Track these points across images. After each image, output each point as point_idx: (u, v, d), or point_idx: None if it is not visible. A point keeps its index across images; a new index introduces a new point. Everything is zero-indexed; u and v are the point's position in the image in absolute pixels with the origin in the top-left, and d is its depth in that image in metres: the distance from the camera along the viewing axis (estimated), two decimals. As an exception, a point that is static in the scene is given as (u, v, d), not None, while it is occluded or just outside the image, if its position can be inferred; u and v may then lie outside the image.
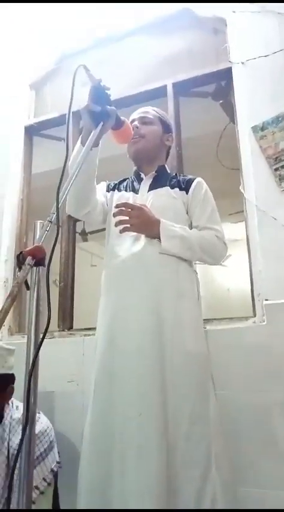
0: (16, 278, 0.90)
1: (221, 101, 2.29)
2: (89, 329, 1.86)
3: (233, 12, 1.94)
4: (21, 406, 1.47)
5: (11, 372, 1.44)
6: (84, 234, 4.42)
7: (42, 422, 1.42)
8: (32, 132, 2.45)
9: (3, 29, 2.44)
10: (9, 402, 1.45)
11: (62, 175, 1.02)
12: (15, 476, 0.89)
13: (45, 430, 1.40)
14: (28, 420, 0.88)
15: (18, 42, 2.46)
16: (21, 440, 0.87)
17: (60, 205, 0.99)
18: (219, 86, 2.22)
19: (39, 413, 1.46)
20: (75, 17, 2.33)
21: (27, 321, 0.97)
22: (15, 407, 1.46)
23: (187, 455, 1.21)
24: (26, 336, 0.94)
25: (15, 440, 1.35)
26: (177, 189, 1.51)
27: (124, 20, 2.26)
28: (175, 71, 2.11)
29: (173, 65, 2.17)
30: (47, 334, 1.97)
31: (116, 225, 1.36)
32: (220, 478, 1.21)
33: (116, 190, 1.59)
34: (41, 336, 0.95)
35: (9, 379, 1.43)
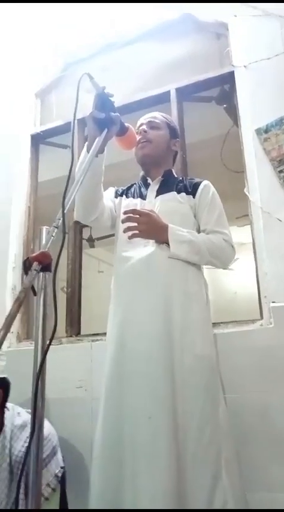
0: (23, 284, 0.91)
1: (225, 105, 2.31)
2: (97, 334, 1.87)
3: (235, 16, 1.95)
4: (22, 412, 1.47)
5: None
6: (91, 241, 4.44)
7: (44, 427, 1.41)
8: (38, 140, 2.48)
9: (9, 38, 2.48)
10: (8, 408, 1.44)
11: (68, 181, 1.03)
12: (21, 484, 0.89)
13: (47, 436, 1.39)
14: (35, 426, 0.88)
15: (23, 51, 2.49)
16: (29, 446, 0.87)
17: (65, 211, 1.00)
18: (223, 90, 2.23)
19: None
20: (79, 26, 2.36)
21: (35, 327, 0.98)
22: (17, 414, 1.45)
23: (197, 459, 1.20)
24: (33, 343, 0.95)
25: (17, 446, 1.34)
26: (183, 194, 1.52)
27: (127, 27, 2.29)
28: (178, 76, 2.13)
29: (176, 70, 2.18)
30: (54, 340, 1.99)
31: (125, 231, 1.37)
32: (230, 483, 1.20)
33: (124, 196, 1.61)
34: (48, 341, 0.95)
35: None
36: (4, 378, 1.44)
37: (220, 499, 1.17)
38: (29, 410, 1.45)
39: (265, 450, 1.43)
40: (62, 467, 1.39)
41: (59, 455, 1.42)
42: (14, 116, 2.45)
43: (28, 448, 0.87)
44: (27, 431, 1.38)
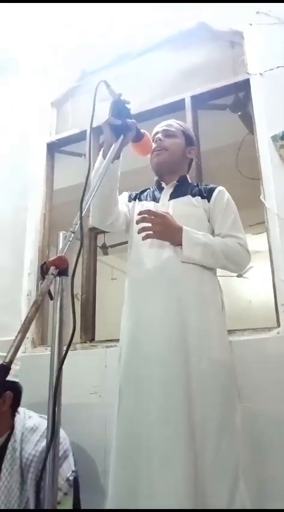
0: (40, 288, 0.91)
1: (239, 113, 2.31)
2: (111, 340, 1.87)
3: (250, 24, 1.96)
4: (34, 415, 1.47)
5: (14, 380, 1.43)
6: (104, 248, 4.46)
7: None
8: (53, 148, 2.51)
9: (25, 49, 2.53)
10: (19, 412, 1.45)
11: (85, 186, 1.05)
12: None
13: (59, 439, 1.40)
14: (53, 433, 0.88)
15: (40, 61, 2.55)
16: (47, 455, 0.87)
17: (83, 215, 1.01)
18: (237, 97, 2.24)
19: None
20: (95, 36, 2.40)
21: (51, 331, 0.98)
22: (28, 417, 1.46)
23: (215, 467, 1.19)
24: (48, 348, 0.95)
25: (28, 449, 1.34)
26: (198, 198, 1.52)
27: (143, 37, 2.31)
28: (193, 84, 2.14)
29: (191, 78, 2.20)
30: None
31: (139, 232, 1.38)
32: (248, 492, 1.18)
33: (137, 200, 1.62)
34: (65, 347, 0.95)
35: (5, 385, 1.39)
36: (16, 382, 1.45)
37: (238, 507, 1.15)
38: (42, 415, 1.46)
39: (280, 460, 1.40)
40: (73, 471, 1.39)
41: (71, 459, 1.41)
42: (31, 125, 2.49)
43: (47, 453, 0.87)
44: (38, 434, 1.39)
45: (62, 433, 1.42)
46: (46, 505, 0.86)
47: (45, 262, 0.96)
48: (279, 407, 1.45)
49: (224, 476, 1.18)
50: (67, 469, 1.36)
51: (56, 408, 0.88)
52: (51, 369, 0.92)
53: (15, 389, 1.44)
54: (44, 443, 1.33)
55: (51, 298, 0.98)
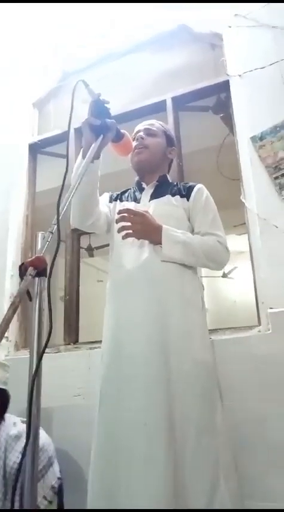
0: (18, 289, 0.90)
1: (222, 114, 2.33)
2: (95, 342, 1.86)
3: (229, 27, 1.99)
4: (18, 422, 1.44)
5: (1, 387, 1.41)
6: (90, 250, 4.44)
7: (40, 438, 1.38)
8: (35, 149, 2.50)
9: (6, 49, 2.51)
10: (4, 418, 1.42)
11: (62, 187, 1.04)
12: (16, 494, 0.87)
13: (43, 446, 1.37)
14: (30, 435, 0.87)
15: (21, 62, 2.53)
16: (23, 455, 0.86)
17: (61, 217, 1.01)
18: (219, 99, 2.26)
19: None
20: (76, 36, 2.40)
21: (31, 332, 0.97)
22: (13, 424, 1.43)
23: (195, 466, 1.19)
24: (30, 349, 0.94)
25: (12, 457, 1.32)
26: (177, 197, 1.53)
27: (124, 38, 2.32)
28: (175, 85, 2.16)
29: (172, 80, 2.21)
30: (52, 348, 1.98)
31: (119, 231, 1.37)
32: (228, 490, 1.19)
33: (118, 200, 1.62)
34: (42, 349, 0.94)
35: None
36: (4, 390, 1.42)
37: (218, 506, 1.15)
38: (25, 419, 1.44)
39: (261, 458, 1.42)
40: (59, 478, 1.37)
41: (56, 466, 1.39)
42: (12, 126, 2.47)
43: (23, 457, 0.86)
44: (22, 441, 1.35)
45: (47, 440, 1.41)
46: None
47: (23, 263, 0.95)
48: (260, 406, 1.46)
49: (203, 475, 1.18)
50: (52, 476, 1.35)
51: (34, 410, 0.87)
52: (30, 370, 0.91)
53: (3, 397, 1.42)
54: None
55: (30, 299, 0.97)
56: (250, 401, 1.48)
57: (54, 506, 1.35)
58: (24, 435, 1.35)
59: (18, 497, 1.26)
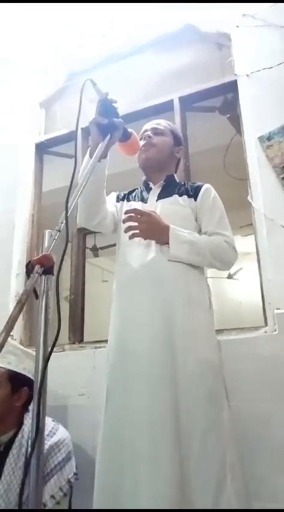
0: (25, 286, 0.90)
1: (228, 115, 2.33)
2: (100, 341, 1.86)
3: (237, 27, 1.98)
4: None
5: (28, 375, 1.43)
6: (95, 250, 4.45)
7: (61, 433, 1.42)
8: (42, 148, 2.51)
9: (13, 49, 2.52)
10: (29, 410, 1.44)
11: (71, 185, 1.04)
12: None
13: (64, 440, 1.40)
14: (38, 433, 0.87)
15: (27, 62, 2.54)
16: (31, 452, 0.86)
17: (68, 214, 1.01)
18: (226, 99, 2.26)
19: (57, 424, 1.47)
20: (82, 36, 2.40)
21: (37, 331, 0.97)
22: None
23: (202, 466, 1.18)
24: (36, 348, 0.94)
25: None
26: (185, 196, 1.52)
27: (131, 38, 2.32)
28: (181, 85, 2.15)
29: (179, 80, 2.21)
30: (57, 347, 1.97)
31: (126, 231, 1.37)
32: (234, 490, 1.18)
33: (125, 200, 1.61)
34: (50, 346, 0.94)
35: (24, 381, 1.43)
36: (30, 378, 1.43)
37: (225, 506, 1.14)
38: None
39: (268, 459, 1.41)
40: (75, 474, 1.40)
41: (73, 462, 1.42)
42: (19, 125, 2.48)
43: (31, 454, 0.86)
44: (44, 433, 1.38)
45: (66, 434, 1.45)
46: (30, 504, 0.85)
47: (30, 261, 0.95)
48: (266, 406, 1.46)
49: (210, 474, 1.17)
50: (69, 470, 1.37)
51: (41, 409, 0.87)
52: (36, 369, 0.90)
53: (32, 386, 1.43)
54: (49, 441, 1.36)
55: (37, 297, 0.97)
56: (256, 401, 1.47)
57: (67, 499, 1.37)
58: (47, 427, 1.39)
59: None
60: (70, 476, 1.36)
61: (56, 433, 1.41)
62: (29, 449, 1.35)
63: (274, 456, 1.41)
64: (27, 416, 1.43)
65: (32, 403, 1.43)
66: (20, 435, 1.38)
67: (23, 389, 1.42)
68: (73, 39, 2.42)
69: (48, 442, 1.35)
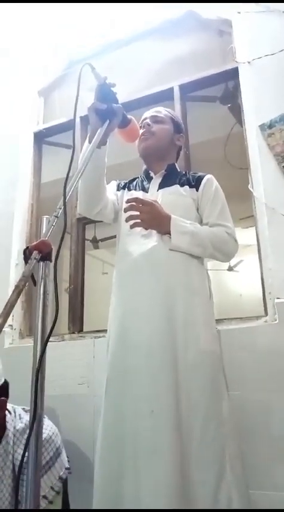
0: (23, 272, 0.89)
1: (229, 105, 2.30)
2: (99, 331, 1.86)
3: (238, 13, 1.95)
4: (23, 413, 1.41)
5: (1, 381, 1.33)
6: (95, 242, 4.43)
7: (46, 428, 1.34)
8: (41, 138, 2.48)
9: (11, 37, 2.49)
10: (11, 411, 1.38)
11: (68, 170, 1.02)
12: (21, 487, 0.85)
13: (51, 437, 1.33)
14: (34, 424, 0.85)
15: (26, 50, 2.51)
16: (26, 446, 0.84)
17: (67, 201, 0.99)
18: (227, 89, 2.23)
19: (44, 417, 1.42)
20: (81, 24, 2.37)
21: (35, 317, 0.96)
22: (18, 416, 1.39)
23: (201, 455, 1.18)
24: (36, 336, 0.92)
25: (20, 452, 1.28)
26: (186, 187, 1.50)
27: (131, 25, 2.30)
28: (182, 73, 2.13)
29: (179, 67, 2.18)
30: (57, 337, 1.97)
31: (127, 220, 1.36)
32: (235, 479, 1.18)
33: (126, 189, 1.60)
34: (48, 333, 0.93)
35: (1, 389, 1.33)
36: (4, 383, 1.35)
37: (225, 495, 1.14)
38: (27, 408, 1.41)
39: (268, 448, 1.41)
40: (66, 468, 1.35)
41: (64, 456, 1.37)
42: (17, 114, 2.46)
43: (26, 445, 0.84)
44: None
45: (54, 430, 1.38)
46: (28, 503, 0.82)
47: (27, 247, 0.94)
48: (266, 396, 1.46)
49: (210, 464, 1.17)
50: (59, 467, 1.32)
51: (38, 398, 0.85)
52: (34, 356, 0.89)
53: (7, 392, 1.37)
54: None
55: (35, 284, 0.96)
56: (257, 391, 1.47)
57: (61, 497, 1.32)
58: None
59: (24, 488, 1.26)
60: (61, 473, 1.31)
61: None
62: (14, 451, 1.31)
63: (274, 445, 1.41)
64: (9, 419, 1.34)
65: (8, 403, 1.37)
66: (4, 441, 1.30)
67: (2, 400, 1.32)
68: (73, 28, 2.39)
69: None
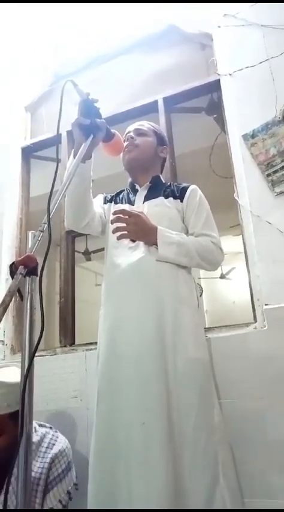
0: (9, 287, 0.90)
1: (215, 115, 2.34)
2: (91, 343, 1.85)
3: (219, 27, 2.00)
4: (38, 427, 1.41)
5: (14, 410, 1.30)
6: (87, 254, 4.44)
7: (60, 442, 1.38)
8: (28, 153, 2.50)
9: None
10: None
11: (53, 185, 1.04)
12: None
13: (64, 450, 1.36)
14: (22, 436, 0.85)
15: (12, 65, 2.54)
16: (17, 452, 0.84)
17: (51, 216, 1.01)
18: (212, 100, 2.27)
19: (56, 432, 1.43)
20: (67, 40, 2.41)
21: (22, 331, 0.96)
22: (33, 429, 1.38)
23: (194, 464, 1.19)
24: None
25: (36, 464, 1.30)
26: (171, 198, 1.53)
27: (115, 40, 2.34)
28: (166, 86, 2.16)
29: (163, 81, 2.22)
30: (48, 351, 1.96)
31: (114, 231, 1.37)
32: (228, 487, 1.18)
33: (113, 202, 1.62)
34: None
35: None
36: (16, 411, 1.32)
37: (218, 504, 1.14)
38: (41, 423, 1.43)
39: (260, 456, 1.41)
40: (75, 484, 1.36)
41: (73, 472, 1.38)
42: (4, 130, 2.48)
43: (17, 456, 0.84)
44: (44, 446, 1.35)
45: (67, 444, 1.40)
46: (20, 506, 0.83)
47: (13, 262, 0.95)
48: (257, 403, 1.46)
49: (203, 473, 1.17)
50: (69, 482, 1.33)
51: (25, 413, 0.85)
52: (22, 370, 0.90)
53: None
54: (50, 452, 1.32)
55: (21, 299, 0.97)
56: (248, 397, 1.47)
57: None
58: (45, 439, 1.36)
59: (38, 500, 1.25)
60: (70, 488, 1.32)
61: (55, 443, 1.37)
62: (37, 461, 1.31)
63: (266, 452, 1.41)
64: None
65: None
66: None
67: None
68: (59, 43, 2.42)
69: (49, 455, 1.31)
